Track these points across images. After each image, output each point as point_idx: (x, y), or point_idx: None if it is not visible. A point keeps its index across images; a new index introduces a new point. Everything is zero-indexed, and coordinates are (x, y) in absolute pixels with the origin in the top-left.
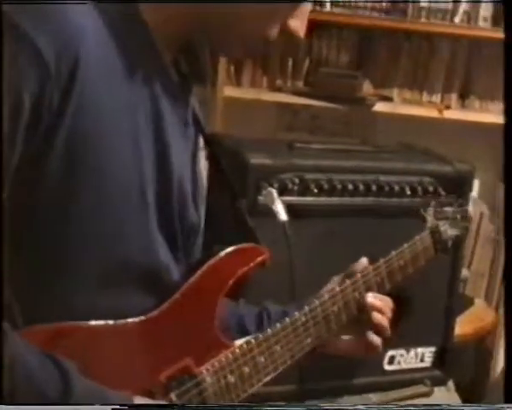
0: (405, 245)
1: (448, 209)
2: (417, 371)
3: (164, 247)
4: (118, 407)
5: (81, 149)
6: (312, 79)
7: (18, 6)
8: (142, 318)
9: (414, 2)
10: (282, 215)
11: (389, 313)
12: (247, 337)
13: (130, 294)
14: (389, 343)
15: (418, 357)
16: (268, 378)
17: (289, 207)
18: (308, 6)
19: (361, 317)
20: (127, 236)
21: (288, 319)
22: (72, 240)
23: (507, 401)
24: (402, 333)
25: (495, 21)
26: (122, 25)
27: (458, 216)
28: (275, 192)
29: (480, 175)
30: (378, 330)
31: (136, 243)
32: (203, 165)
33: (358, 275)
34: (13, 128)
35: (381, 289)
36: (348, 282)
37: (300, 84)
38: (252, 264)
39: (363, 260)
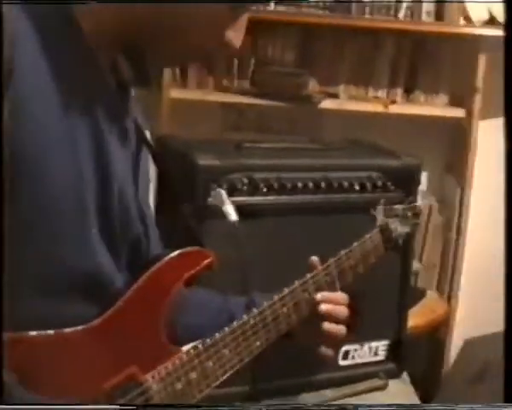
0: (355, 244)
1: (398, 207)
2: (372, 365)
3: (106, 256)
4: (117, 406)
5: (18, 154)
6: (258, 78)
7: None
8: (85, 326)
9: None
10: (233, 216)
11: (343, 313)
12: (194, 343)
13: (73, 303)
14: (349, 340)
15: (372, 351)
16: (217, 383)
17: (239, 208)
18: (245, 17)
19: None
20: (67, 245)
21: (235, 323)
22: (11, 248)
23: (507, 401)
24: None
25: (438, 16)
26: (54, 30)
27: (409, 213)
28: (224, 193)
29: (427, 168)
30: (330, 338)
31: (77, 253)
32: (148, 171)
33: (308, 275)
34: None
35: (331, 289)
36: (297, 283)
37: (246, 83)
38: (197, 268)
39: (314, 258)
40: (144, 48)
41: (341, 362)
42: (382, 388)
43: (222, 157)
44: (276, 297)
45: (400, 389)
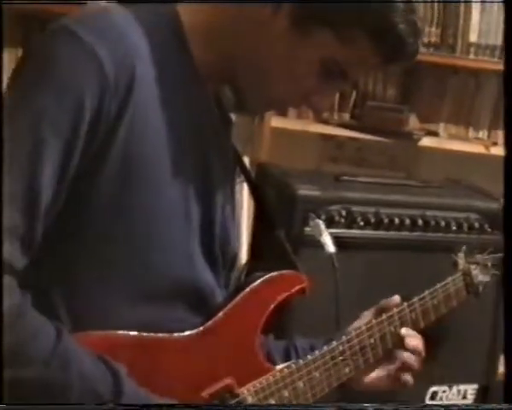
0: (438, 285)
1: (478, 256)
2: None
3: (207, 270)
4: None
5: (134, 166)
6: (359, 111)
7: (76, 18)
8: (188, 333)
9: (463, 37)
10: (330, 247)
11: (422, 352)
12: (288, 363)
13: (177, 310)
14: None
15: (461, 394)
16: (306, 403)
17: (336, 239)
18: (335, 88)
19: (391, 353)
20: (174, 255)
21: (326, 348)
22: (119, 253)
23: (507, 401)
24: (445, 369)
25: None
26: (168, 50)
27: (489, 263)
28: (322, 224)
29: None
30: (407, 368)
31: (182, 263)
32: (242, 196)
33: (394, 310)
34: (73, 138)
35: (415, 327)
36: (384, 316)
37: (347, 116)
38: (292, 290)
39: (396, 298)
40: (241, 87)
41: (429, 402)
42: None
43: (321, 188)
44: (363, 327)
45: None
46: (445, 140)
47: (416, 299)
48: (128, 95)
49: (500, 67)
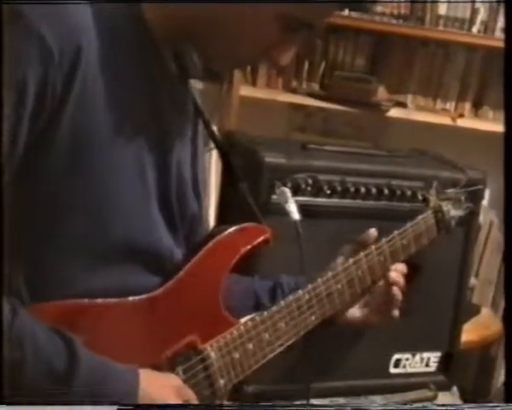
0: (408, 224)
1: (451, 190)
2: (422, 376)
3: (165, 228)
4: (117, 406)
5: (85, 141)
6: (327, 81)
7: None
8: (148, 295)
9: (432, 9)
10: (295, 214)
11: (403, 282)
12: (252, 315)
13: (134, 274)
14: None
15: (424, 361)
16: (272, 354)
17: (302, 207)
18: (295, 40)
19: (372, 290)
20: (129, 219)
21: (291, 297)
22: (74, 222)
23: (507, 401)
24: (409, 337)
25: None
26: (121, 21)
27: (462, 197)
28: (288, 192)
29: (490, 184)
30: (395, 301)
31: (138, 226)
32: (206, 158)
33: (361, 254)
34: (17, 116)
35: (383, 269)
36: (351, 261)
37: (315, 86)
38: (254, 242)
39: (372, 231)
40: (200, 46)
41: (392, 370)
42: (431, 399)
43: (288, 157)
44: (330, 273)
45: (449, 402)
46: (412, 111)
47: (383, 240)
48: (74, 68)
49: (468, 39)
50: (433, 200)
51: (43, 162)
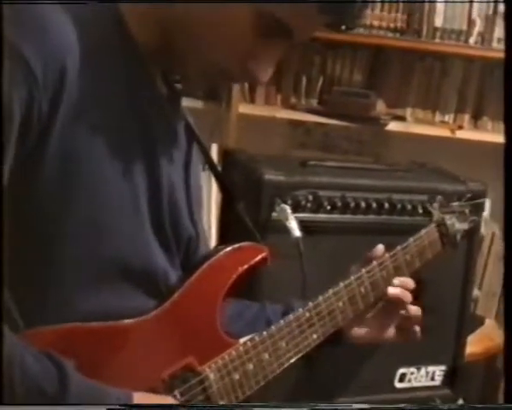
0: (411, 239)
1: (455, 203)
2: (428, 390)
3: (160, 252)
4: (117, 407)
5: (74, 160)
6: (326, 97)
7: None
8: (142, 318)
9: (429, 22)
10: (296, 231)
11: (408, 297)
12: (251, 335)
13: (129, 296)
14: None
15: (429, 375)
16: (273, 375)
17: (302, 224)
18: (274, 52)
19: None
20: (122, 240)
21: (291, 316)
22: (66, 243)
23: (507, 401)
24: (414, 351)
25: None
26: (107, 39)
27: (466, 210)
28: (288, 209)
29: (491, 195)
30: (413, 318)
31: (132, 247)
32: (205, 178)
33: (363, 271)
34: (6, 138)
35: (386, 285)
36: (352, 278)
37: (314, 102)
38: (252, 262)
39: (380, 247)
40: (181, 60)
41: (397, 384)
42: None
43: (288, 173)
44: (330, 291)
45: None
46: (411, 124)
47: (386, 256)
48: (60, 89)
49: (465, 50)
50: (436, 213)
51: (33, 189)
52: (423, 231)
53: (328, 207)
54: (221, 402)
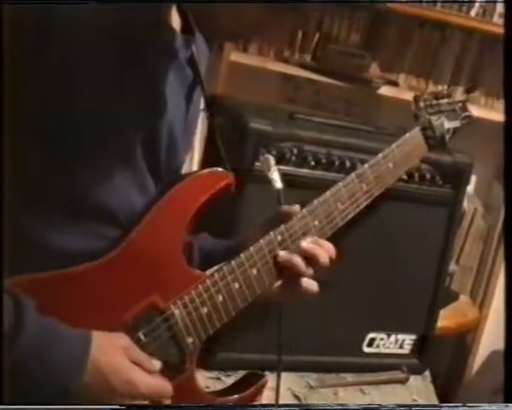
0: (393, 145)
1: (443, 101)
2: (396, 357)
3: (152, 186)
4: (117, 406)
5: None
6: (320, 54)
7: None
8: (101, 260)
9: None
10: (278, 183)
11: (324, 257)
12: (219, 265)
13: (101, 233)
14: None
15: (398, 343)
16: (245, 304)
17: (285, 177)
18: (288, 20)
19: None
20: (105, 179)
21: (262, 241)
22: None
23: (507, 401)
24: (385, 317)
25: None
26: None
27: (457, 107)
28: (272, 159)
29: (477, 172)
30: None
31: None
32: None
33: (340, 184)
34: None
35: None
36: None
37: (308, 57)
38: (213, 190)
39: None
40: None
41: (366, 349)
42: (403, 381)
43: (274, 124)
44: (305, 210)
45: (420, 386)
46: (404, 90)
47: (366, 166)
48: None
49: (466, 22)
50: (422, 115)
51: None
52: (406, 136)
53: (313, 163)
54: (188, 338)
